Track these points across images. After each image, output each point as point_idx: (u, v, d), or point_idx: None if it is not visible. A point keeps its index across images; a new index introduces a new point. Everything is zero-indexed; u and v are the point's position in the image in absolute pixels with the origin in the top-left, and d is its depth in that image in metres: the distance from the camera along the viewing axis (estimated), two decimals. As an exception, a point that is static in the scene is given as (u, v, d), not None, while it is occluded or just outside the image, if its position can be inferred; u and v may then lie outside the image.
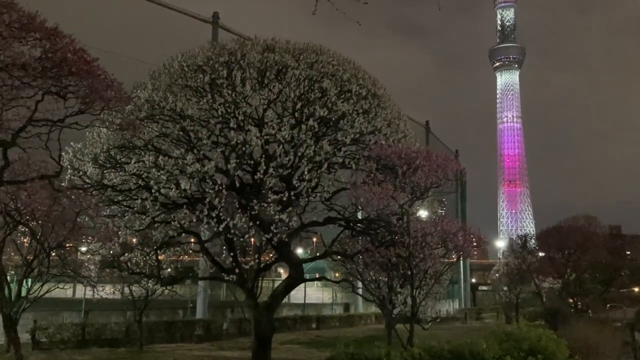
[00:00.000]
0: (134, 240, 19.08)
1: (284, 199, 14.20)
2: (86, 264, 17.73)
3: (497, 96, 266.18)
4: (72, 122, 13.10)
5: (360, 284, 22.89)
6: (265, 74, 15.16)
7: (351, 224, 17.03)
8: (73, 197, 16.02)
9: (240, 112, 14.20)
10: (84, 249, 18.70)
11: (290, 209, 14.49)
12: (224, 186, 14.26)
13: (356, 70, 16.12)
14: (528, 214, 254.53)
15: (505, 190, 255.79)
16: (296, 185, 14.45)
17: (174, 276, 20.08)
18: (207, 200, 14.20)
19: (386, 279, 20.34)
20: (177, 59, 15.70)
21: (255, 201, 14.49)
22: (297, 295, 39.94)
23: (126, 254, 19.23)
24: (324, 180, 15.13)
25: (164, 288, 19.77)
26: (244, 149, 14.21)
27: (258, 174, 14.42)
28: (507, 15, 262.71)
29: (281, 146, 14.07)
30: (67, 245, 16.59)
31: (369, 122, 15.34)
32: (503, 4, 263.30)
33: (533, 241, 35.96)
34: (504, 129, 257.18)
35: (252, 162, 14.93)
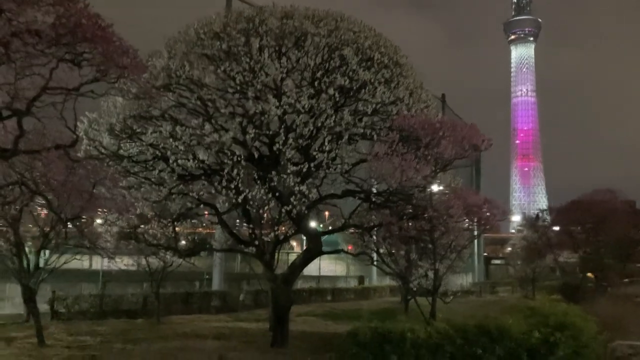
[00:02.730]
0: (151, 211, 18.93)
1: (304, 170, 13.88)
2: (103, 236, 17.64)
3: (512, 70, 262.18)
4: (87, 91, 12.85)
5: (376, 257, 22.75)
6: (284, 41, 14.70)
7: (370, 197, 16.69)
8: (89, 167, 15.87)
9: (259, 81, 13.80)
10: (100, 220, 18.63)
11: (309, 180, 14.19)
12: (242, 157, 13.96)
13: (377, 37, 15.60)
14: (541, 188, 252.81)
15: (519, 165, 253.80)
16: (315, 157, 14.10)
17: (192, 248, 19.94)
18: (226, 171, 13.92)
19: (404, 252, 20.20)
20: (192, 27, 15.25)
21: (273, 172, 14.19)
22: (311, 267, 39.87)
23: (143, 226, 19.10)
24: (343, 152, 14.76)
25: (181, 260, 19.63)
26: (262, 119, 13.87)
27: (277, 145, 14.08)
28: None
29: (300, 116, 13.69)
30: (84, 217, 16.46)
31: (391, 91, 14.87)
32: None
33: (547, 216, 35.52)
34: (518, 103, 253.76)
35: (270, 133, 14.59)
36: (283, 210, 14.44)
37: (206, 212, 19.88)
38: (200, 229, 23.54)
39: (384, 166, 13.57)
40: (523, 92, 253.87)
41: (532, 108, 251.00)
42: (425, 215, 14.72)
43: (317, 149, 14.12)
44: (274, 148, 14.35)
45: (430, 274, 15.71)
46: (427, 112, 15.52)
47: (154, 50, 15.36)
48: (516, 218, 74.34)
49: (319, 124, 13.94)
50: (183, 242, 21.36)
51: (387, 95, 14.59)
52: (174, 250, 19.06)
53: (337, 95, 14.12)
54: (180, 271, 24.34)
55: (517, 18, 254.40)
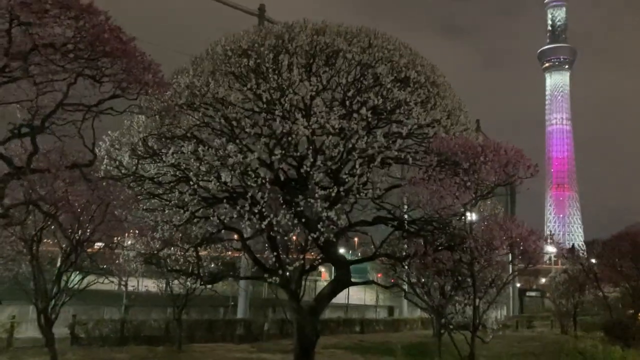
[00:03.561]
0: (176, 235, 18.24)
1: (333, 194, 12.95)
2: (121, 260, 16.99)
3: (546, 97, 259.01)
4: (107, 108, 12.26)
5: (408, 289, 21.55)
6: (314, 59, 13.94)
7: (404, 224, 15.64)
8: (111, 188, 15.29)
9: (287, 99, 13.02)
10: (121, 243, 18.05)
11: (339, 205, 13.27)
12: (267, 180, 13.12)
13: (414, 56, 14.71)
14: (576, 218, 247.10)
15: (553, 194, 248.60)
16: (346, 180, 13.17)
17: (215, 274, 19.12)
18: (249, 194, 13.11)
19: (439, 284, 18.98)
20: (220, 43, 14.64)
21: (300, 197, 13.30)
22: (339, 295, 38.69)
23: (165, 250, 18.43)
24: (375, 176, 13.80)
25: (204, 287, 18.80)
26: (289, 139, 13.05)
27: (304, 167, 13.21)
28: (558, 15, 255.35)
29: (330, 137, 12.82)
30: (102, 240, 15.81)
31: (427, 112, 13.91)
32: (554, 4, 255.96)
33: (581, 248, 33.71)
34: (553, 131, 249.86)
35: (297, 154, 13.76)
36: (310, 237, 13.48)
37: (232, 237, 19.05)
38: (226, 254, 22.83)
39: (420, 192, 12.55)
40: (558, 120, 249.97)
41: (567, 136, 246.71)
42: (465, 247, 13.56)
43: (347, 173, 13.19)
44: (302, 171, 13.48)
45: (468, 310, 14.51)
46: (466, 134, 14.50)
47: (179, 67, 14.80)
48: (551, 249, 71.60)
49: (350, 146, 13.04)
50: (209, 265, 20.65)
51: (423, 117, 13.63)
52: (196, 276, 18.29)
53: (369, 115, 13.23)
54: (205, 295, 23.61)
55: (552, 46, 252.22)
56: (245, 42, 14.14)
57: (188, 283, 19.37)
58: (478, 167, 12.77)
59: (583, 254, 32.79)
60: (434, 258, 15.02)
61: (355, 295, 42.95)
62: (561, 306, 36.90)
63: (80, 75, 11.54)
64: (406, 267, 19.13)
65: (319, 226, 13.08)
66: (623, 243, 25.91)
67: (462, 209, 13.09)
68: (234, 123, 13.30)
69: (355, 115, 13.20)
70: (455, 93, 15.38)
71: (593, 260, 32.06)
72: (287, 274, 15.63)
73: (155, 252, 17.23)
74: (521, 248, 13.69)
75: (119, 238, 17.25)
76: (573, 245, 37.78)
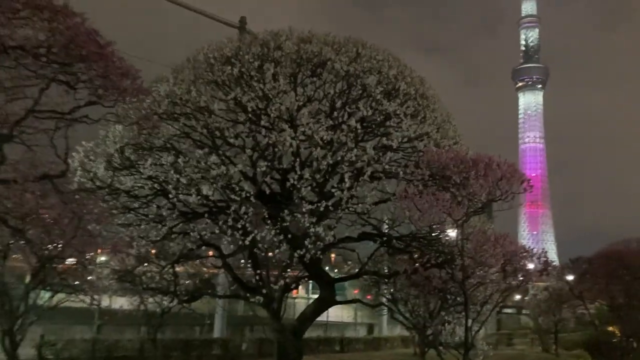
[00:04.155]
0: (152, 251, 17.41)
1: (321, 209, 12.34)
2: (94, 277, 16.11)
3: (520, 116, 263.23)
4: (81, 116, 11.54)
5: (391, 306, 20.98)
6: (301, 68, 13.43)
7: (391, 241, 15.12)
8: (85, 201, 14.49)
9: (273, 109, 12.44)
10: (94, 259, 17.19)
11: (327, 221, 12.68)
12: (251, 193, 12.48)
13: (403, 67, 14.31)
14: (549, 235, 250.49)
15: (527, 212, 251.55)
16: (334, 194, 12.59)
17: (193, 292, 18.26)
18: (232, 209, 12.45)
19: (424, 303, 18.49)
20: (202, 51, 14.04)
21: (286, 211, 12.68)
22: None
23: (140, 267, 17.58)
24: (365, 190, 13.27)
25: (181, 306, 17.94)
26: (275, 151, 12.46)
27: (291, 180, 12.62)
28: (531, 35, 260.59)
29: (318, 149, 12.26)
30: (72, 258, 14.95)
31: (418, 125, 13.48)
32: (527, 25, 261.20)
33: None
34: (526, 149, 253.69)
35: (283, 167, 13.17)
36: (296, 254, 12.83)
37: (210, 254, 18.28)
38: (204, 270, 22.01)
39: (412, 207, 12.04)
40: (531, 139, 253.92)
41: (540, 154, 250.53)
42: (455, 264, 13.06)
43: (335, 186, 12.63)
44: (288, 184, 12.88)
45: (458, 330, 13.96)
46: (456, 148, 14.08)
47: (159, 75, 14.14)
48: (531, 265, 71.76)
49: (339, 158, 12.50)
50: (187, 282, 19.80)
51: (413, 129, 13.17)
52: (173, 294, 17.45)
53: (358, 127, 12.73)
54: (180, 314, 22.70)
55: (525, 66, 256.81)
56: (229, 49, 13.58)
57: (164, 302, 18.46)
58: (471, 181, 12.34)
59: (561, 271, 32.66)
60: (426, 276, 14.49)
61: (333, 312, 42.05)
62: (542, 323, 36.65)
63: (53, 81, 10.87)
64: (391, 285, 18.63)
65: (306, 242, 12.47)
66: (610, 262, 25.79)
67: (454, 225, 12.61)
68: (217, 133, 12.65)
69: (344, 126, 12.69)
70: (445, 106, 15.01)
71: (571, 277, 31.96)
72: (270, 292, 14.96)
73: (130, 269, 16.37)
74: (516, 265, 13.24)
75: (91, 254, 16.42)
76: (546, 260, 37.53)
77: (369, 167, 12.63)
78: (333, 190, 12.58)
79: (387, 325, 41.07)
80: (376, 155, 12.80)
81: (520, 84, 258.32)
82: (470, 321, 13.37)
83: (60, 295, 16.58)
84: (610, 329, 33.46)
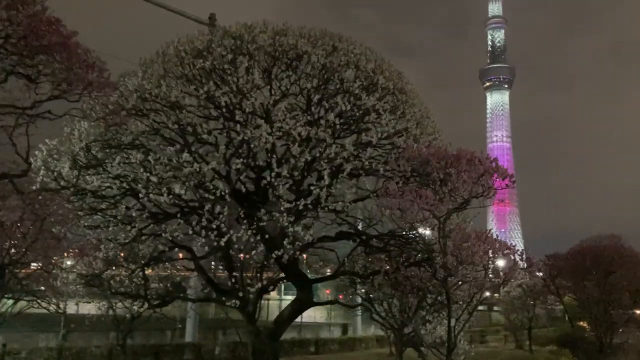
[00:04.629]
0: (121, 254, 16.66)
1: (300, 207, 11.86)
2: (59, 282, 15.34)
3: (487, 115, 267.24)
4: (44, 111, 10.84)
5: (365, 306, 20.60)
6: (276, 62, 12.93)
7: (369, 240, 14.75)
8: (48, 202, 13.75)
9: (248, 103, 11.91)
10: (63, 263, 16.41)
11: (307, 219, 12.22)
12: (226, 192, 11.91)
13: (380, 61, 13.93)
14: (517, 233, 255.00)
15: (495, 210, 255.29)
16: (313, 192, 12.11)
17: (164, 296, 17.56)
18: (206, 208, 11.87)
19: (401, 302, 18.22)
20: (172, 44, 13.42)
21: (262, 211, 12.16)
22: None
23: (108, 271, 16.83)
24: (345, 187, 12.84)
25: (152, 311, 17.22)
26: (251, 147, 11.93)
27: (267, 178, 12.10)
28: (497, 36, 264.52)
29: (296, 145, 11.78)
30: (35, 262, 14.19)
31: (397, 120, 13.12)
32: (494, 25, 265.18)
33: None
34: (494, 148, 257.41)
35: (259, 164, 12.66)
36: (273, 255, 12.32)
37: (181, 256, 17.60)
38: (175, 273, 21.31)
39: (393, 204, 11.66)
40: (498, 138, 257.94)
41: (507, 153, 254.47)
42: (437, 262, 12.72)
43: (314, 184, 12.16)
44: (263, 182, 12.36)
45: (439, 329, 13.68)
46: (435, 143, 13.77)
47: (126, 70, 13.46)
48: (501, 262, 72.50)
49: (317, 155, 12.03)
50: (158, 285, 19.10)
51: (392, 124, 12.80)
52: (143, 299, 16.74)
53: (337, 122, 12.29)
54: (151, 318, 21.95)
55: (492, 66, 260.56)
56: (200, 42, 12.99)
57: (135, 307, 17.70)
58: (453, 177, 12.02)
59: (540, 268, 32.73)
60: (404, 275, 14.15)
61: (306, 313, 41.54)
62: (516, 320, 36.84)
63: (12, 74, 10.18)
64: (368, 285, 18.26)
65: (284, 242, 11.97)
66: (585, 258, 25.95)
67: (434, 223, 12.27)
68: (189, 129, 12.05)
69: (321, 121, 12.23)
70: (423, 101, 14.68)
71: (540, 274, 32.11)
72: (246, 295, 14.43)
73: (98, 273, 15.64)
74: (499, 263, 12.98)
75: (56, 258, 15.65)
76: (529, 258, 37.64)
77: (348, 163, 12.21)
78: (312, 187, 12.10)
79: (361, 325, 40.78)
80: (355, 152, 12.38)
81: (487, 83, 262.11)
82: (454, 321, 13.07)
83: (23, 302, 15.82)
84: (582, 324, 33.82)
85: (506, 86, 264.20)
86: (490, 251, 12.49)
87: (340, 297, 24.83)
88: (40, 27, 9.76)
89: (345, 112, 12.44)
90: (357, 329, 40.88)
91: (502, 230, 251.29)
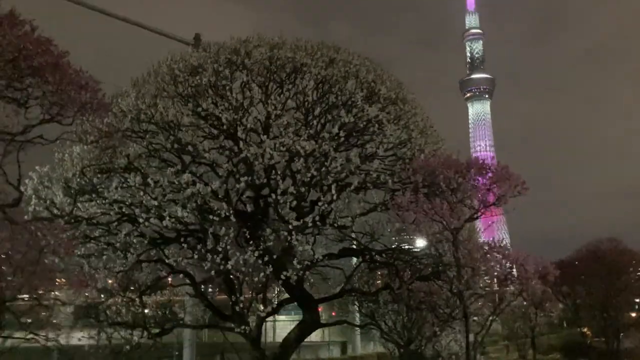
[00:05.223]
0: (115, 284, 15.98)
1: (309, 224, 11.37)
2: (53, 316, 14.62)
3: (470, 126, 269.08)
4: (35, 137, 10.28)
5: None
6: (274, 75, 12.53)
7: (376, 255, 14.30)
8: (40, 233, 13.11)
9: (249, 119, 11.46)
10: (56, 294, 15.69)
11: (317, 236, 11.72)
12: (231, 212, 11.39)
13: (380, 71, 13.60)
14: (505, 241, 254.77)
15: (482, 219, 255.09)
16: (320, 207, 11.63)
17: (163, 324, 16.84)
18: (210, 231, 11.34)
19: (408, 318, 17.78)
20: (165, 62, 12.97)
21: (268, 230, 11.65)
22: (282, 333, 36.28)
23: (104, 301, 16.13)
24: (353, 202, 12.41)
25: (152, 340, 16.50)
26: (254, 163, 11.43)
27: (273, 196, 11.59)
28: (475, 47, 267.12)
29: (301, 160, 11.33)
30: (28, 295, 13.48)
31: (401, 130, 12.75)
32: (471, 37, 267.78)
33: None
34: (478, 158, 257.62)
35: (261, 182, 12.17)
36: (282, 276, 11.78)
37: (185, 281, 16.91)
38: (173, 298, 20.62)
39: (406, 217, 11.21)
40: (482, 147, 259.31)
41: (491, 163, 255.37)
42: (449, 277, 12.25)
43: (321, 199, 11.69)
44: (268, 201, 11.88)
45: (454, 345, 13.20)
46: (440, 153, 13.39)
47: (118, 90, 12.96)
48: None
49: (324, 169, 11.57)
50: (154, 313, 18.39)
51: (397, 134, 12.42)
52: (142, 328, 16.04)
53: (341, 134, 11.87)
54: (145, 343, 21.10)
55: (472, 77, 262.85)
56: (195, 58, 12.56)
57: (134, 337, 16.92)
58: (464, 186, 11.62)
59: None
60: (411, 290, 13.69)
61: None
62: (518, 330, 36.31)
63: (1, 99, 9.66)
64: (374, 302, 17.75)
65: (294, 262, 11.46)
66: (591, 263, 25.66)
67: (448, 234, 11.84)
68: (190, 148, 11.55)
69: (324, 134, 11.81)
70: (424, 110, 14.34)
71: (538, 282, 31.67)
72: (247, 319, 13.86)
73: (94, 304, 14.96)
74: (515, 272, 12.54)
75: (49, 290, 14.95)
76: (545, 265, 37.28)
77: (355, 177, 11.78)
78: (319, 203, 11.64)
79: (360, 343, 40.03)
80: (361, 164, 11.96)
81: (468, 94, 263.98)
82: (473, 336, 12.60)
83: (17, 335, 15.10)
84: (585, 330, 33.36)
85: (487, 96, 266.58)
86: (505, 260, 12.06)
87: (334, 314, 24.19)
88: (30, 48, 9.28)
89: (348, 123, 12.04)
90: (357, 347, 40.12)
91: (490, 238, 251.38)
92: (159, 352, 26.74)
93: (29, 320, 15.20)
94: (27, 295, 14.63)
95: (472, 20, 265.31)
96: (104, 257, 13.51)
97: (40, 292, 13.54)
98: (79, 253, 13.56)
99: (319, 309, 25.83)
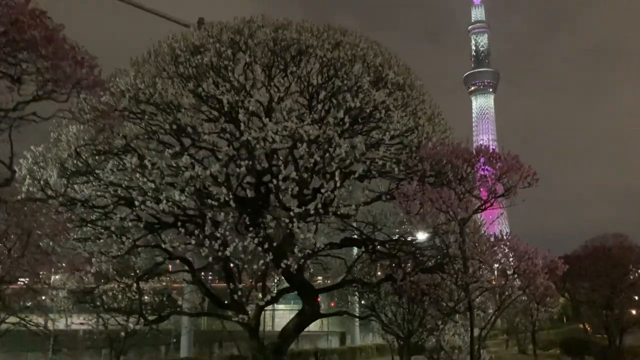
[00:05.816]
0: (114, 268, 15.63)
1: (311, 211, 10.98)
2: (48, 300, 14.36)
3: (473, 120, 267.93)
4: (28, 113, 9.87)
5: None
6: (278, 57, 12.09)
7: (379, 246, 13.93)
8: (35, 214, 12.73)
9: (252, 100, 11.04)
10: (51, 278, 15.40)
11: (319, 224, 11.35)
12: (230, 197, 11.00)
13: (388, 55, 13.13)
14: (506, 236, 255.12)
15: (483, 213, 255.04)
16: (324, 195, 11.23)
17: (160, 311, 16.51)
18: (209, 216, 10.96)
19: (409, 310, 17.42)
20: (166, 42, 12.53)
21: (269, 217, 11.27)
22: (281, 323, 35.99)
23: (100, 286, 15.79)
24: (357, 189, 12.01)
25: (148, 327, 16.20)
26: (256, 147, 11.02)
27: (274, 182, 11.20)
28: (480, 40, 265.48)
29: (304, 145, 10.92)
30: (22, 279, 13.15)
31: (408, 117, 12.31)
32: (477, 30, 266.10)
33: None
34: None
35: (263, 167, 11.77)
36: (282, 264, 11.41)
37: (182, 268, 16.58)
38: (170, 285, 20.30)
39: (412, 206, 10.80)
40: (484, 142, 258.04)
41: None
42: (455, 268, 11.86)
43: (323, 186, 11.29)
44: (269, 186, 11.48)
45: (457, 339, 12.86)
46: (448, 142, 12.95)
47: (116, 70, 12.53)
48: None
49: (328, 155, 11.16)
50: (153, 300, 18.09)
51: (405, 120, 11.98)
52: (138, 315, 15.72)
53: (346, 120, 11.45)
54: (142, 330, 20.81)
55: (476, 70, 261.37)
56: (196, 37, 12.12)
57: (130, 324, 16.57)
58: (472, 176, 11.21)
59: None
60: (413, 282, 13.32)
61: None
62: (519, 324, 36.06)
63: (-7, 73, 9.25)
64: (375, 293, 17.40)
65: (295, 250, 11.08)
66: (597, 259, 25.27)
67: (454, 225, 11.43)
68: (189, 130, 11.14)
69: (329, 119, 11.39)
70: (432, 97, 13.88)
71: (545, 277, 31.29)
72: (245, 308, 13.52)
73: (89, 289, 14.63)
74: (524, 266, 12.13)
75: (43, 274, 14.64)
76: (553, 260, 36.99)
77: (360, 164, 11.37)
78: (322, 190, 11.24)
79: (359, 334, 39.84)
80: (368, 150, 11.55)
81: (472, 88, 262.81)
82: (478, 330, 12.24)
83: (11, 320, 14.84)
84: (587, 326, 32.99)
85: (491, 90, 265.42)
86: (512, 254, 11.68)
87: (332, 304, 23.88)
88: (23, 20, 8.86)
89: (354, 108, 11.61)
90: (356, 338, 39.93)
91: (492, 233, 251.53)
92: (156, 338, 26.55)
93: (27, 305, 14.97)
94: (22, 279, 14.35)
95: (477, 14, 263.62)
96: (100, 241, 13.16)
97: (35, 275, 13.26)
98: (75, 237, 13.22)
99: (318, 299, 25.54)
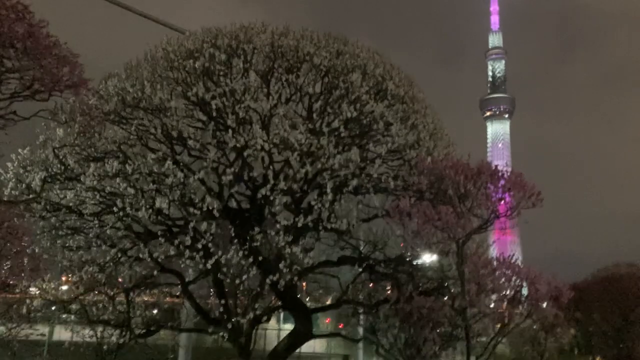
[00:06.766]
0: (101, 278, 15.10)
1: (299, 225, 10.41)
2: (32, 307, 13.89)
3: (488, 145, 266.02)
4: (7, 113, 9.48)
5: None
6: (275, 64, 11.64)
7: (378, 265, 13.30)
8: (18, 220, 12.31)
9: (242, 107, 10.57)
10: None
11: (307, 239, 10.77)
12: (214, 207, 10.47)
13: (390, 66, 12.64)
14: (518, 261, 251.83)
15: (496, 238, 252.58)
16: (314, 209, 10.67)
17: (149, 325, 15.90)
18: (191, 225, 10.44)
19: (410, 334, 16.66)
20: (161, 46, 12.16)
21: (256, 229, 10.72)
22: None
23: (89, 296, 15.27)
24: (351, 204, 11.44)
25: (134, 341, 15.60)
26: (245, 156, 10.52)
27: (262, 192, 10.67)
28: (497, 66, 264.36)
29: (295, 154, 10.40)
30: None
31: (409, 130, 11.76)
32: (494, 56, 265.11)
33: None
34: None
35: (252, 177, 11.25)
36: (268, 280, 10.83)
37: (173, 280, 16.00)
38: (167, 299, 19.71)
39: (407, 223, 10.20)
40: (499, 167, 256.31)
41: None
42: (455, 291, 11.20)
43: (315, 199, 10.74)
44: (259, 195, 10.94)
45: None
46: (451, 157, 12.34)
47: (108, 73, 12.14)
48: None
49: (319, 166, 10.62)
50: (144, 313, 17.48)
51: (404, 135, 11.43)
52: (126, 328, 15.15)
53: (342, 130, 10.92)
54: (137, 346, 20.15)
55: (492, 96, 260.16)
56: (192, 42, 11.73)
57: (113, 338, 15.91)
58: (473, 194, 10.60)
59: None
60: (413, 305, 12.63)
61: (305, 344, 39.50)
62: (527, 354, 34.81)
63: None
64: (373, 315, 16.69)
65: (280, 266, 10.49)
66: (608, 288, 24.34)
67: (453, 246, 10.79)
68: (174, 134, 10.66)
69: (325, 129, 10.87)
70: (435, 110, 13.32)
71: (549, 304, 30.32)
72: (238, 325, 12.89)
73: (69, 299, 14.14)
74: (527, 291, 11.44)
75: (33, 282, 14.20)
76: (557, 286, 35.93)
77: (354, 178, 10.80)
78: (313, 203, 10.68)
79: (363, 357, 38.80)
80: (363, 164, 10.99)
81: (488, 113, 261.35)
82: (473, 358, 11.51)
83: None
84: (597, 359, 31.86)
85: (506, 116, 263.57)
86: (515, 278, 11.01)
87: (341, 326, 23.16)
88: (3, 13, 8.51)
89: (351, 119, 11.09)
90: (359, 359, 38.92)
91: (500, 254, 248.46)
92: (153, 353, 25.86)
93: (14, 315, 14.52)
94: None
95: (495, 40, 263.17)
96: (89, 249, 12.71)
97: (11, 282, 12.78)
98: (66, 245, 12.81)
99: (327, 320, 24.78)
